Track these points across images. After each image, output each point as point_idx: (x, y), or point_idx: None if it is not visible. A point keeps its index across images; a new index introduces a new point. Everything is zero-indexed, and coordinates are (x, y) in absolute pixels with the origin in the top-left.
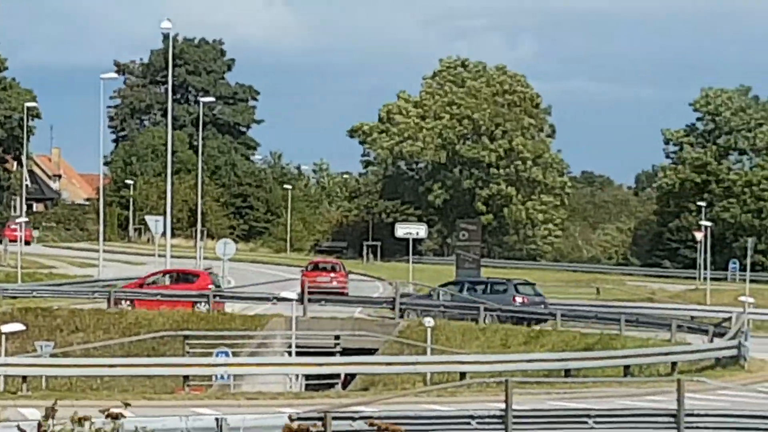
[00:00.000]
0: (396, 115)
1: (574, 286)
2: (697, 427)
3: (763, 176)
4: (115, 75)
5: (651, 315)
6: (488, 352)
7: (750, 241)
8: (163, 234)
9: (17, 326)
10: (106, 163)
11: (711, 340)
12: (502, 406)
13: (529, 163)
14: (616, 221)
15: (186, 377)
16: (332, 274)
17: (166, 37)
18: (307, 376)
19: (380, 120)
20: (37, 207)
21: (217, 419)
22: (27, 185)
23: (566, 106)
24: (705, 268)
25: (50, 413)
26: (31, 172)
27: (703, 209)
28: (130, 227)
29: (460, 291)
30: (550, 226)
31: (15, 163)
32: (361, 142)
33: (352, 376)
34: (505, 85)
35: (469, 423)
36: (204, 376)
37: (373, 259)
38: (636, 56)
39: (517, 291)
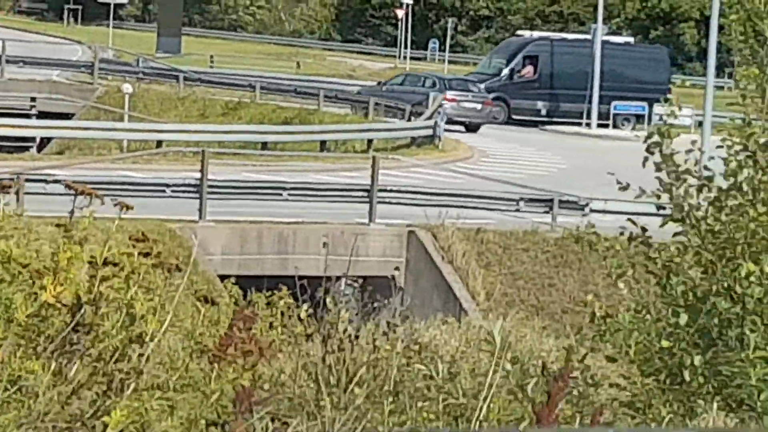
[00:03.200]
0: None
1: (275, 59)
2: (389, 202)
3: None
4: None
5: (350, 92)
6: (186, 122)
7: (450, 21)
8: None
9: None
10: None
11: (408, 120)
12: (198, 175)
13: None
14: None
15: None
16: None
17: None
18: (1, 138)
19: None
20: None
21: None
22: None
23: None
24: (405, 47)
25: None
26: None
27: None
28: None
29: None
30: None
31: None
32: None
33: (48, 139)
34: None
35: (163, 191)
36: None
37: (74, 23)
38: None
39: None
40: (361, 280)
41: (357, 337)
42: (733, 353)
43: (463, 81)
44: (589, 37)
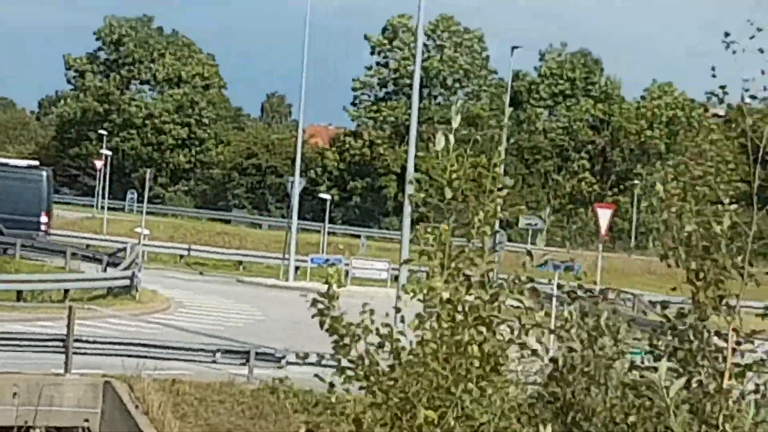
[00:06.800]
0: None
1: None
2: (85, 353)
3: (163, 108)
4: None
5: (46, 241)
6: None
7: (149, 172)
8: None
9: None
10: None
11: (105, 270)
12: None
13: None
14: (16, 144)
15: None
16: None
17: None
18: None
19: None
20: None
21: None
22: None
23: None
24: (103, 197)
25: None
26: None
27: (104, 138)
28: None
29: None
30: None
31: None
32: None
33: None
34: None
35: None
36: None
37: None
38: None
39: None
40: (54, 431)
41: None
42: None
43: None
44: None
